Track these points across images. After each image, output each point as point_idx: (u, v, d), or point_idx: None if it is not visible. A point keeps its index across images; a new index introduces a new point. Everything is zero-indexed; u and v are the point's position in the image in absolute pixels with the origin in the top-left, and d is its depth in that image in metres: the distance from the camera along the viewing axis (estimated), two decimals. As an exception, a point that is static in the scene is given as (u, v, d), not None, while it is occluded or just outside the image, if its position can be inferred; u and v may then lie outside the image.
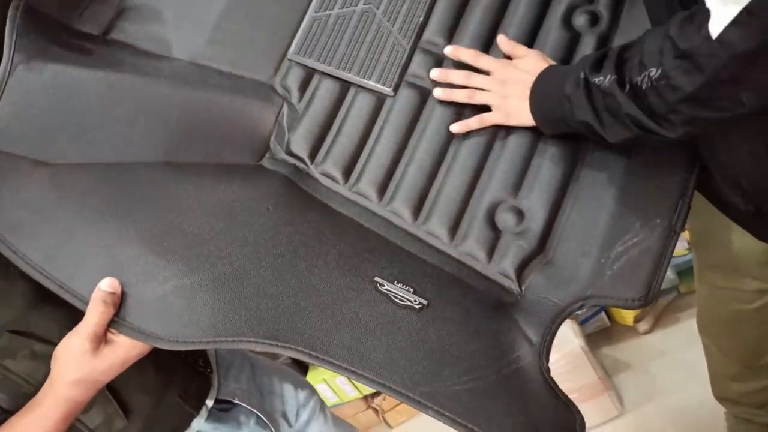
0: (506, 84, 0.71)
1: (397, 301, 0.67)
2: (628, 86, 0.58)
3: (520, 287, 0.70)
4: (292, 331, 0.62)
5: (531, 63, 0.71)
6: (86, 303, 0.60)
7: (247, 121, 0.79)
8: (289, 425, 0.89)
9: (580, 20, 0.76)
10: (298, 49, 0.80)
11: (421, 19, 0.79)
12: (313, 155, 0.77)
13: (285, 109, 0.79)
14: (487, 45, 0.78)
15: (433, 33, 0.79)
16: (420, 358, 0.63)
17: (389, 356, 0.63)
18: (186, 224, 0.67)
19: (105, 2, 0.78)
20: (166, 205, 0.69)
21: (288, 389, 0.92)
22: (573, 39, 0.77)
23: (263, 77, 0.80)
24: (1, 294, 0.65)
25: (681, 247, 1.48)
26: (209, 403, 0.79)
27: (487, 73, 0.73)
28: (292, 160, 0.77)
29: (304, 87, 0.80)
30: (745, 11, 0.48)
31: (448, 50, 0.76)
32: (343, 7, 0.81)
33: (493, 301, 0.70)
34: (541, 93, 0.68)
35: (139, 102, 0.73)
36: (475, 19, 0.78)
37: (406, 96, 0.77)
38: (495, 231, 0.72)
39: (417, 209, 0.74)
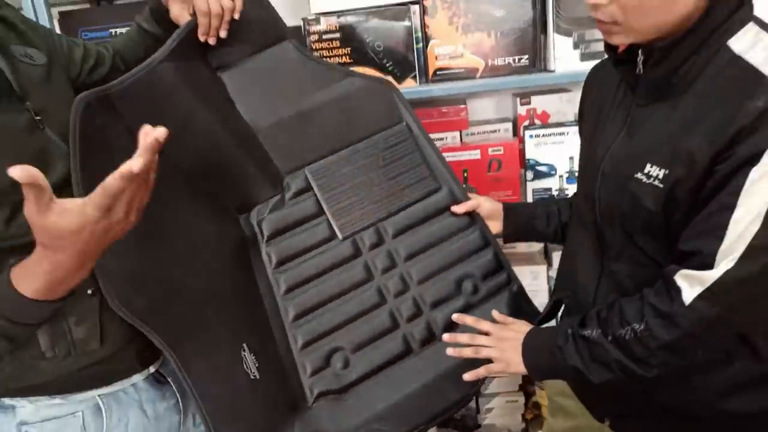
0: (503, 341, 0.95)
1: (244, 365, 0.92)
2: (610, 337, 0.82)
3: (312, 403, 1.00)
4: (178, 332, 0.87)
5: (519, 326, 0.98)
6: None
7: (254, 185, 1.07)
8: (194, 425, 1.02)
9: (467, 286, 1.10)
10: (315, 171, 1.11)
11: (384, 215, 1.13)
12: (270, 238, 1.07)
13: (277, 197, 1.08)
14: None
15: (391, 225, 1.12)
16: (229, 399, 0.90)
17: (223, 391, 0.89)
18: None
19: None
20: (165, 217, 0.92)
21: None
22: (453, 293, 1.09)
23: (283, 168, 1.10)
24: None
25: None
26: (152, 369, 0.95)
27: (486, 333, 0.99)
28: (256, 230, 1.07)
29: (298, 194, 1.10)
30: (707, 290, 0.74)
31: (455, 316, 1.05)
32: (364, 162, 1.14)
33: (291, 398, 0.99)
34: (532, 347, 0.92)
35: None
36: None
37: (347, 246, 1.09)
38: (326, 363, 1.02)
39: (303, 316, 1.05)
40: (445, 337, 1.02)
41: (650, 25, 0.78)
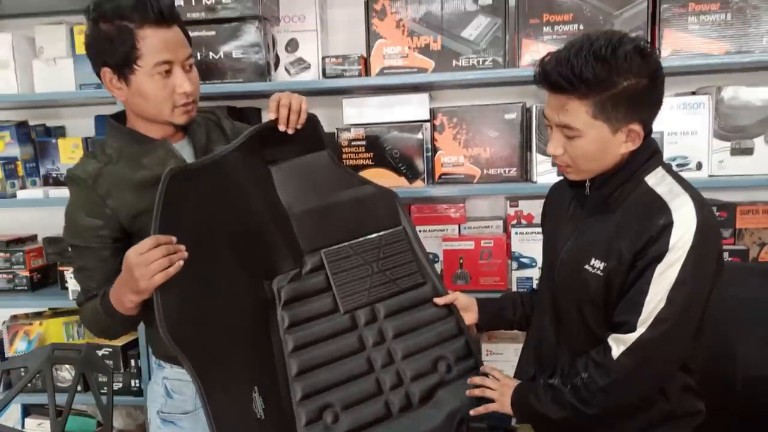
0: (504, 387, 1.26)
1: (254, 405, 1.11)
2: (569, 386, 1.13)
3: None
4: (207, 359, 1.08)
5: (512, 380, 1.28)
6: None
7: (281, 257, 1.27)
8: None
9: (442, 366, 1.31)
10: (329, 253, 1.32)
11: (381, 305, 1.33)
12: (286, 303, 1.25)
13: (296, 270, 1.28)
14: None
15: (384, 307, 1.33)
16: None
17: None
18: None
19: None
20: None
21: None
22: (430, 370, 1.30)
23: (305, 247, 1.30)
24: None
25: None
26: None
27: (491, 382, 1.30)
28: (276, 295, 1.25)
29: (313, 270, 1.30)
30: (628, 349, 1.06)
31: (480, 375, 1.32)
32: (369, 253, 1.36)
33: None
34: (519, 395, 1.23)
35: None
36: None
37: (346, 319, 1.29)
38: (318, 416, 1.19)
39: (304, 372, 1.22)
40: (476, 379, 1.30)
41: (591, 168, 1.11)
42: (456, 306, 1.37)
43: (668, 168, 1.14)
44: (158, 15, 1.11)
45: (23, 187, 2.07)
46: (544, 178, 1.79)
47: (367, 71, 1.88)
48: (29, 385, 1.70)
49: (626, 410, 1.14)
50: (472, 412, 1.26)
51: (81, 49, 1.94)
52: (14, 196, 2.02)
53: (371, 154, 1.88)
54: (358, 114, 1.91)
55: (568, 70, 1.02)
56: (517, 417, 1.23)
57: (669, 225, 1.04)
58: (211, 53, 1.84)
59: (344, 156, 1.88)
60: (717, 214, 1.85)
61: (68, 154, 2.08)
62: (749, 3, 1.70)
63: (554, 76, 1.05)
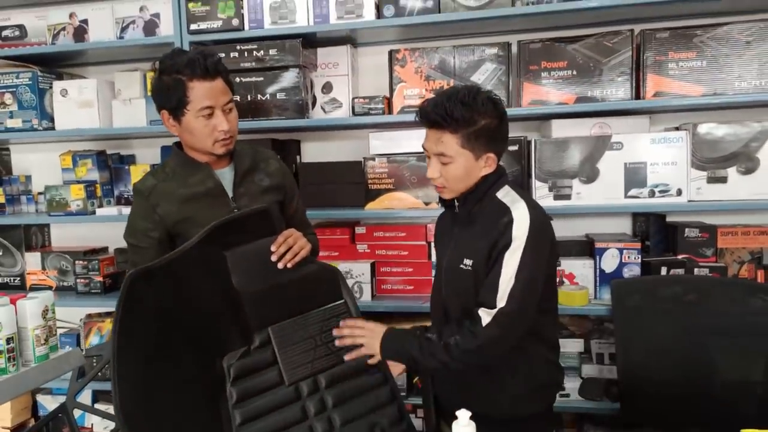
0: (371, 332, 1.43)
1: None
2: (443, 342, 1.35)
3: None
4: None
5: (379, 326, 1.45)
6: None
7: (232, 336, 1.35)
8: None
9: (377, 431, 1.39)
10: (276, 330, 1.39)
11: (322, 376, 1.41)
12: (235, 379, 1.33)
13: (245, 347, 1.36)
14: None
15: (326, 377, 1.40)
16: None
17: None
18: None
19: None
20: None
21: None
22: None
23: (254, 325, 1.37)
24: None
25: None
26: None
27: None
28: (226, 372, 1.33)
29: (260, 346, 1.37)
30: (493, 318, 1.33)
31: (343, 324, 1.46)
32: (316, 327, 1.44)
33: None
34: (389, 338, 1.42)
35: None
36: None
37: (291, 390, 1.36)
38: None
39: None
40: (335, 332, 1.44)
41: (460, 188, 1.41)
42: (391, 372, 1.50)
43: (513, 186, 1.46)
44: (204, 71, 1.42)
45: (101, 205, 2.46)
46: (543, 202, 2.06)
47: (390, 110, 2.19)
48: (99, 374, 2.03)
49: (484, 367, 1.42)
50: (346, 358, 1.40)
51: (152, 91, 2.34)
52: (93, 213, 2.41)
53: (393, 180, 2.19)
54: (382, 146, 2.23)
55: (443, 111, 1.34)
56: (384, 355, 1.41)
57: (510, 222, 1.35)
58: (259, 95, 2.19)
59: (369, 181, 2.20)
60: (699, 234, 2.08)
61: (138, 178, 2.45)
62: (721, 52, 1.95)
63: (432, 116, 1.36)
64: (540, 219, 1.38)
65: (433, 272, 1.71)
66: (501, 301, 1.33)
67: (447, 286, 1.49)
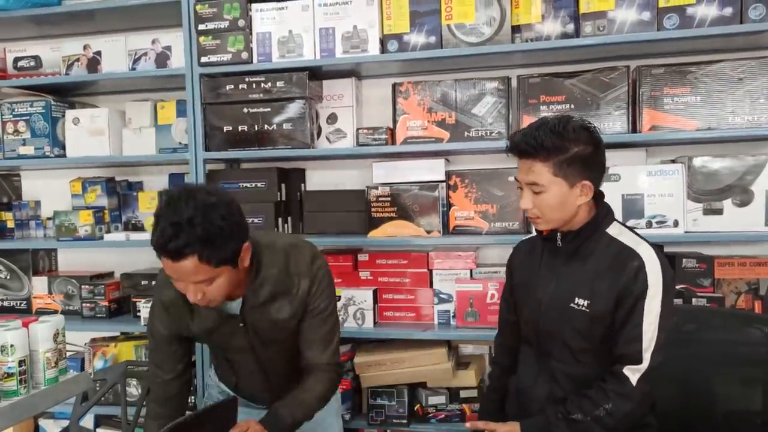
0: (509, 428, 1.42)
1: None
2: (589, 417, 1.33)
3: None
4: None
5: (512, 424, 1.43)
6: None
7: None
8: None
9: None
10: None
11: None
12: None
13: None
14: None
15: None
16: None
17: None
18: None
19: None
20: None
21: None
22: None
23: None
24: None
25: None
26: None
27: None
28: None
29: None
30: (642, 375, 1.31)
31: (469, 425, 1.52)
32: None
33: None
34: (527, 428, 1.40)
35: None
36: None
37: None
38: None
39: None
40: (468, 425, 1.49)
41: (555, 218, 1.38)
42: None
43: (622, 223, 1.45)
44: (167, 255, 1.28)
45: (108, 231, 2.50)
46: (542, 232, 2.11)
47: (393, 140, 2.25)
48: (103, 398, 2.04)
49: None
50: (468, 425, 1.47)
51: (162, 121, 2.41)
52: (101, 238, 2.45)
53: (395, 208, 2.24)
54: (385, 175, 2.28)
55: (533, 140, 1.34)
56: None
57: (642, 266, 1.32)
58: (266, 125, 2.26)
59: (372, 209, 2.25)
60: (697, 265, 2.12)
61: (146, 204, 2.51)
62: (714, 88, 2.02)
63: (522, 146, 1.36)
64: (665, 262, 1.36)
65: (503, 303, 1.63)
66: (646, 353, 1.31)
67: (550, 322, 1.43)
